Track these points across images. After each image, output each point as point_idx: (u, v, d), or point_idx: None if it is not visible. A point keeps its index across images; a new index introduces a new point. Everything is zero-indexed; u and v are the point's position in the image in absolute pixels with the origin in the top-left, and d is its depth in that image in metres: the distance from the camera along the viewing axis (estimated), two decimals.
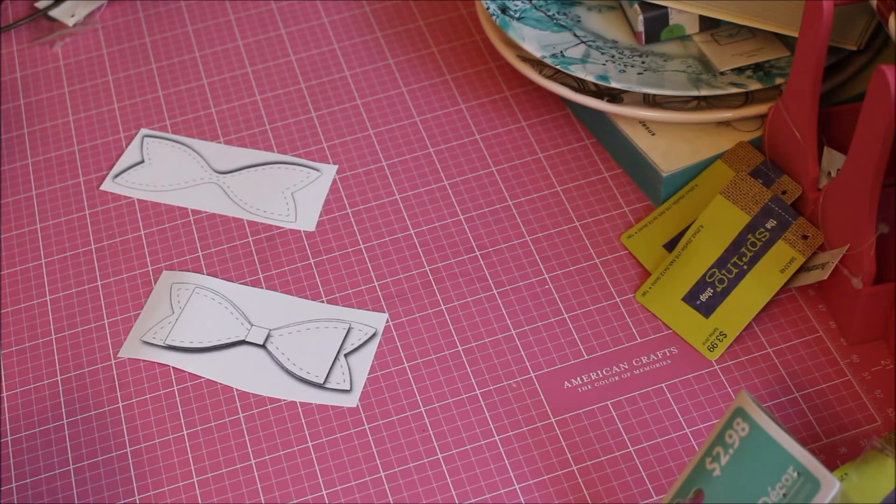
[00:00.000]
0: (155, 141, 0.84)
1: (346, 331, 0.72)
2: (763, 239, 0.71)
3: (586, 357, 0.70)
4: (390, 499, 0.66)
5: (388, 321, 0.73)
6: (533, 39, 0.78)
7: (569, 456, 0.66)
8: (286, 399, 0.70)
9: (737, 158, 0.75)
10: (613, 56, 0.78)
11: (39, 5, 0.93)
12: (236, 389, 0.71)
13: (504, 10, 0.80)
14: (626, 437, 0.67)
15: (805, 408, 0.67)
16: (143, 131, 0.85)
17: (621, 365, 0.70)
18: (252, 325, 0.73)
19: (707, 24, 0.79)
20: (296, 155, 0.82)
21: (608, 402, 0.68)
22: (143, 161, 0.83)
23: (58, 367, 0.73)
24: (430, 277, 0.75)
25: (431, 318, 0.73)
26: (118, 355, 0.73)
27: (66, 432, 0.70)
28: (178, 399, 0.71)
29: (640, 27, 0.78)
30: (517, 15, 0.80)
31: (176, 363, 0.72)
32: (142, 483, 0.68)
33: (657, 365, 0.69)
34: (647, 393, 0.68)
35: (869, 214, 0.64)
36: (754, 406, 0.58)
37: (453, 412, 0.69)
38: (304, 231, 0.78)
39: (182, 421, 0.70)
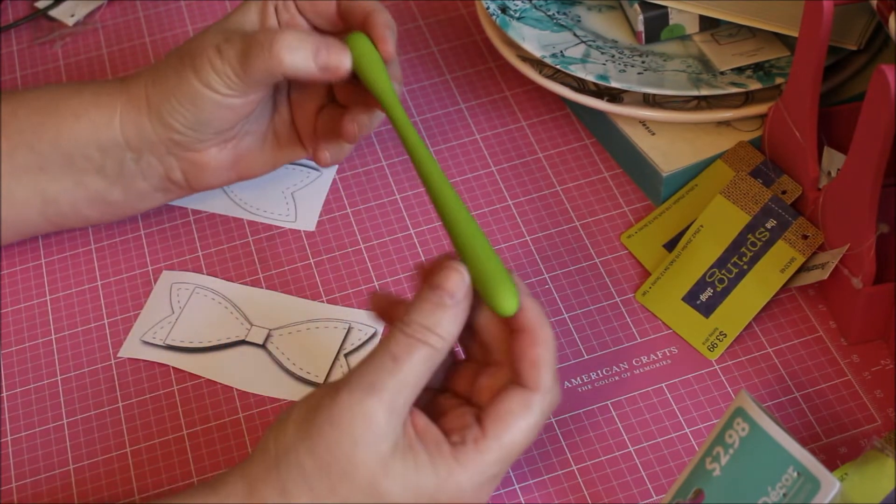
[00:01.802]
0: None
1: (346, 331, 0.72)
2: (763, 239, 0.71)
3: (586, 357, 0.70)
4: None
5: None
6: (533, 39, 0.78)
7: (569, 456, 0.66)
8: (286, 399, 0.70)
9: (737, 158, 0.75)
10: (613, 56, 0.78)
11: (39, 5, 0.93)
12: (236, 389, 0.71)
13: (504, 9, 0.80)
14: (626, 437, 0.67)
15: (805, 408, 0.67)
16: None
17: (621, 365, 0.70)
18: (252, 325, 0.73)
19: (707, 23, 0.79)
20: None
21: (608, 402, 0.68)
22: None
23: (58, 367, 0.73)
24: None
25: None
26: (118, 355, 0.73)
27: (66, 432, 0.70)
28: (178, 399, 0.71)
29: (640, 27, 0.79)
30: (517, 15, 0.80)
31: (176, 363, 0.72)
32: (142, 483, 0.68)
33: (657, 365, 0.69)
34: (647, 393, 0.68)
35: (869, 214, 0.64)
36: (754, 406, 0.58)
37: None
38: (304, 231, 0.78)
39: (182, 421, 0.70)
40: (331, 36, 0.69)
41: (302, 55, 0.67)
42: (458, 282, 0.58)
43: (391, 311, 0.62)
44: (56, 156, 0.71)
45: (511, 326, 0.59)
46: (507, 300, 0.57)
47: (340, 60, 0.67)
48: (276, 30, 0.68)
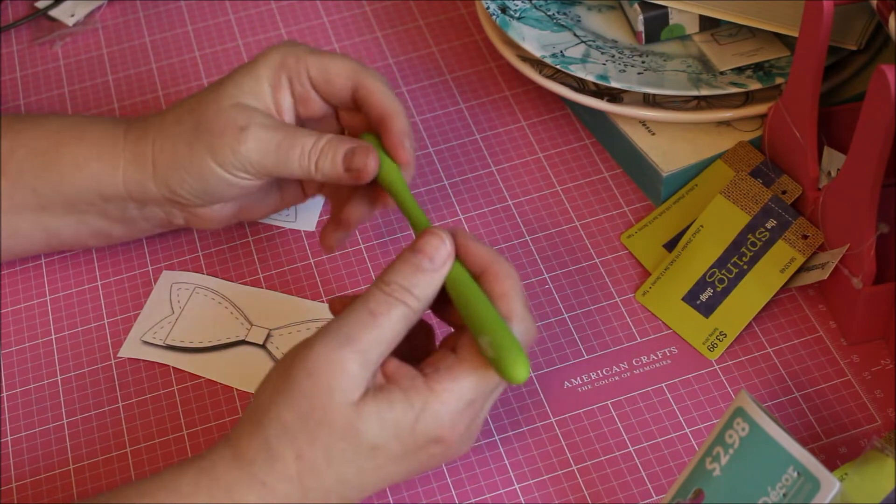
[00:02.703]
0: None
1: None
2: (763, 239, 0.71)
3: (586, 357, 0.70)
4: (390, 499, 0.66)
5: None
6: (533, 39, 0.78)
7: (569, 456, 0.66)
8: None
9: (737, 158, 0.75)
10: (613, 56, 0.78)
11: (39, 5, 0.93)
12: (236, 389, 0.71)
13: (504, 9, 0.80)
14: (626, 437, 0.67)
15: (805, 408, 0.67)
16: None
17: (621, 365, 0.70)
18: (252, 324, 0.73)
19: (707, 23, 0.79)
20: None
21: (608, 402, 0.68)
22: None
23: (58, 367, 0.73)
24: None
25: (432, 318, 0.73)
26: (118, 355, 0.73)
27: (66, 432, 0.70)
28: (178, 399, 0.71)
29: (640, 27, 0.79)
30: (517, 14, 0.80)
31: (176, 363, 0.72)
32: None
33: (657, 365, 0.69)
34: (647, 393, 0.68)
35: (869, 214, 0.64)
36: (754, 406, 0.58)
37: None
38: (304, 231, 0.78)
39: (182, 421, 0.70)
40: (357, 140, 0.68)
41: (331, 161, 0.67)
42: (438, 247, 0.59)
43: None
44: (58, 199, 0.71)
45: (473, 273, 0.60)
46: (518, 371, 0.57)
47: (367, 165, 0.66)
48: (313, 136, 0.67)
